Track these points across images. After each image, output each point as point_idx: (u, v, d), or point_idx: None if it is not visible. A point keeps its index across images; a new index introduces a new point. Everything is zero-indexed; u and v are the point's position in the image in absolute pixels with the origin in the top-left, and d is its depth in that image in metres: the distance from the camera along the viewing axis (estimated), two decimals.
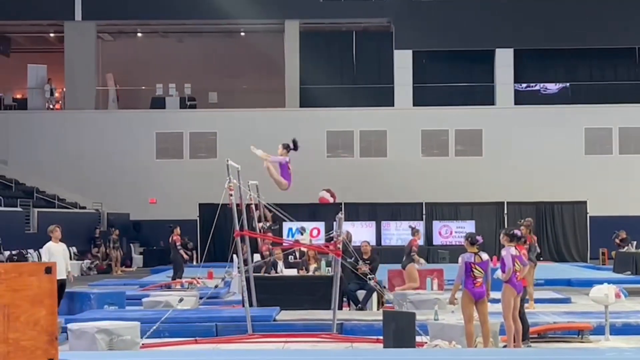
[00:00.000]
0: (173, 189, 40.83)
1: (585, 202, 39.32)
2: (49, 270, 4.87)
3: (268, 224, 21.80)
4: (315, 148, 41.51)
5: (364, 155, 42.17)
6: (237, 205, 17.26)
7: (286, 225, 32.91)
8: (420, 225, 38.78)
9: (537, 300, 19.59)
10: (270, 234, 21.22)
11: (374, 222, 39.04)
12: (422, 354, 13.16)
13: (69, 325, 14.51)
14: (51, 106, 44.98)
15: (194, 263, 34.50)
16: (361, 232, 34.86)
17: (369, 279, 18.25)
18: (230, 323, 16.17)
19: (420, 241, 21.70)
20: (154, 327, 15.09)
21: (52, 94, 44.72)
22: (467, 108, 42.28)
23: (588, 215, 39.39)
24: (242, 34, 46.29)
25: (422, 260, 21.34)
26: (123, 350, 13.65)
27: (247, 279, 17.35)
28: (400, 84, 42.77)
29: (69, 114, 43.15)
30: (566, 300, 21.27)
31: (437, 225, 39.14)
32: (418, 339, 13.83)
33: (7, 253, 30.79)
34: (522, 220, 19.28)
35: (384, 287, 20.00)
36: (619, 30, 42.17)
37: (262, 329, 15.77)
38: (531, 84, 44.23)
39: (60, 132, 42.01)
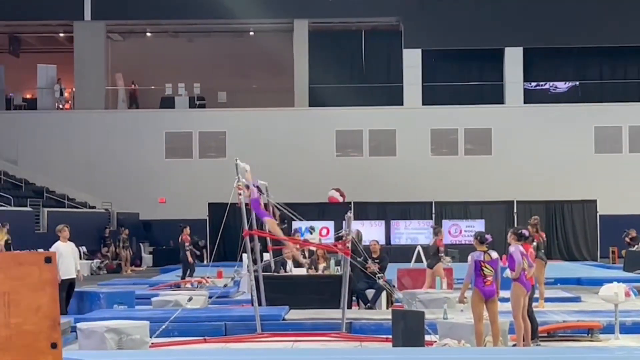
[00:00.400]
0: (182, 189, 40.85)
1: (595, 201, 39.23)
2: (48, 259, 4.88)
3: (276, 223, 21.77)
4: (325, 147, 41.55)
5: (373, 155, 42.14)
6: (246, 204, 17.26)
7: (295, 225, 32.85)
8: (430, 224, 38.82)
9: (547, 299, 19.55)
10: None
11: (383, 222, 39.02)
12: (431, 353, 13.14)
13: (79, 325, 14.54)
14: (61, 106, 45.05)
15: (204, 262, 34.55)
16: (370, 231, 34.82)
17: (378, 278, 18.23)
18: (239, 322, 16.18)
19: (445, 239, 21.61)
20: (163, 327, 15.10)
21: (61, 94, 44.79)
22: (477, 107, 42.22)
23: (598, 214, 39.29)
24: (252, 33, 46.29)
25: (448, 259, 21.26)
26: (132, 349, 13.67)
27: (257, 278, 17.35)
28: (409, 83, 42.72)
29: (78, 113, 43.23)
30: (576, 299, 21.24)
31: (446, 224, 39.02)
32: (427, 337, 13.82)
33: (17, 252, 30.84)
34: (531, 220, 19.24)
35: (393, 286, 19.98)
36: (629, 28, 42.05)
37: (271, 328, 15.78)
38: (541, 83, 44.16)
39: (69, 132, 42.07)
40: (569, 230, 39.53)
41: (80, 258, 33.70)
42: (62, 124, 42.62)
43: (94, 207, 40.80)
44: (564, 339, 15.21)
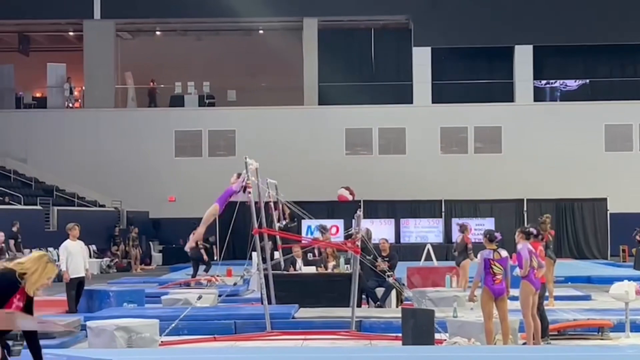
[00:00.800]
0: (192, 187, 40.82)
1: (605, 199, 39.10)
2: None
3: (285, 222, 21.79)
4: (334, 146, 41.52)
5: (383, 153, 42.09)
6: (256, 203, 17.26)
7: (305, 223, 32.85)
8: (440, 223, 38.83)
9: (557, 298, 19.52)
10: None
11: (392, 220, 38.95)
12: (441, 351, 13.14)
13: (88, 323, 14.57)
14: (70, 105, 45.10)
15: (214, 260, 34.54)
16: (380, 230, 34.77)
17: (388, 277, 18.22)
18: (249, 320, 16.20)
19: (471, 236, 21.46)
20: (173, 325, 15.13)
21: (71, 92, 44.84)
22: (486, 105, 42.13)
23: (608, 212, 39.15)
24: (261, 32, 46.27)
25: (472, 255, 21.22)
26: (142, 347, 13.69)
27: (266, 277, 17.35)
28: (419, 81, 42.67)
29: (88, 112, 43.28)
30: (586, 298, 21.20)
31: (456, 222, 38.96)
32: (437, 336, 13.82)
33: (27, 251, 30.88)
34: (541, 218, 19.17)
35: (403, 285, 19.96)
36: (639, 26, 41.91)
37: (280, 327, 15.78)
38: (551, 81, 44.05)
39: (79, 130, 42.12)
40: (579, 228, 39.41)
41: (90, 257, 33.90)
42: (71, 122, 42.68)
43: (103, 206, 40.85)
44: (574, 337, 15.19)
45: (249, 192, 16.76)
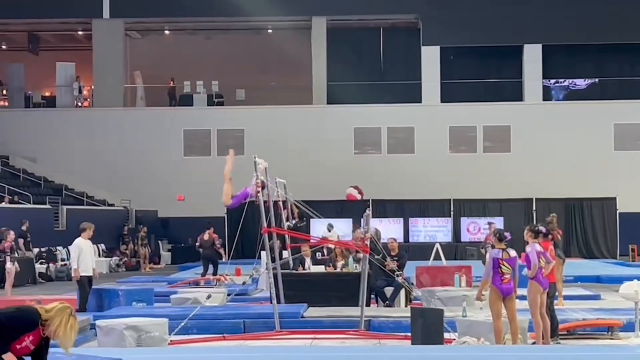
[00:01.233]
0: (201, 186, 40.82)
1: (614, 199, 39.00)
2: None
3: (294, 222, 21.80)
4: (343, 145, 41.51)
5: (392, 152, 42.08)
6: (265, 202, 17.27)
7: (314, 223, 32.79)
8: (449, 222, 38.76)
9: (566, 297, 19.49)
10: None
11: (401, 219, 38.88)
12: (451, 351, 13.13)
13: (98, 322, 14.59)
14: (79, 104, 45.20)
15: (223, 259, 34.56)
16: (389, 229, 34.73)
17: (397, 276, 18.21)
18: (258, 320, 16.20)
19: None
20: (182, 324, 15.14)
21: (80, 91, 44.93)
22: (495, 104, 42.11)
23: (617, 212, 39.04)
24: (270, 31, 46.30)
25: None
26: (151, 346, 13.71)
27: (275, 276, 17.35)
28: (427, 80, 42.64)
29: (97, 111, 43.35)
30: (595, 297, 21.15)
31: (464, 221, 38.93)
32: (446, 335, 13.81)
33: (36, 250, 30.98)
34: (548, 217, 19.12)
35: (412, 284, 19.95)
36: None
37: (289, 326, 15.78)
38: (560, 80, 43.98)
39: (88, 129, 42.19)
40: (588, 227, 39.31)
41: (99, 256, 34.07)
42: (80, 121, 42.76)
43: (112, 205, 40.92)
44: (583, 336, 15.16)
45: (259, 191, 16.75)
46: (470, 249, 36.47)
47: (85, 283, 18.18)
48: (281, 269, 18.31)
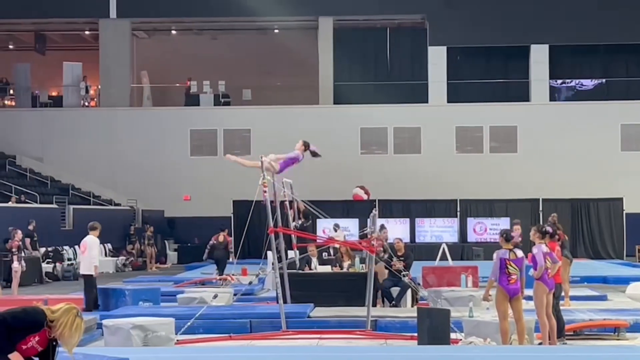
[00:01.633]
0: (207, 186, 40.91)
1: (621, 199, 38.94)
2: None
3: (300, 222, 21.79)
4: (349, 145, 41.50)
5: (398, 152, 42.06)
6: (271, 202, 17.27)
7: (320, 223, 32.78)
8: (455, 222, 38.72)
9: (573, 298, 19.47)
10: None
11: (407, 219, 38.87)
12: (457, 351, 13.12)
13: (104, 321, 14.61)
14: (86, 103, 45.25)
15: (230, 259, 34.58)
16: (395, 229, 34.74)
17: (404, 276, 18.20)
18: (264, 319, 16.22)
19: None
20: (189, 324, 15.15)
21: (87, 91, 44.99)
22: (502, 104, 42.08)
23: (624, 212, 38.99)
24: (276, 31, 46.31)
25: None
26: (158, 346, 13.72)
27: (281, 276, 17.36)
28: (434, 80, 42.62)
29: (103, 111, 43.40)
30: (602, 298, 21.12)
31: (471, 222, 38.91)
32: (453, 335, 13.80)
33: (42, 250, 31.01)
34: (551, 218, 19.10)
35: (418, 284, 19.95)
36: None
37: (296, 326, 15.79)
38: (567, 80, 43.93)
39: (95, 129, 42.23)
40: (594, 228, 39.25)
41: (106, 255, 34.16)
42: (87, 121, 42.80)
43: (119, 205, 40.95)
44: (590, 337, 15.15)
45: (265, 192, 16.74)
46: (476, 249, 36.45)
47: (94, 282, 18.32)
48: (287, 269, 18.32)
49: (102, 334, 14.61)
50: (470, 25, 41.98)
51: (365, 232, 17.74)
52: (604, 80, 43.54)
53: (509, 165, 41.17)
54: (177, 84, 45.41)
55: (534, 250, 13.66)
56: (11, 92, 46.53)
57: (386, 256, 19.61)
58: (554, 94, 43.44)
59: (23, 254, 25.01)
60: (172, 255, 40.03)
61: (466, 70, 43.27)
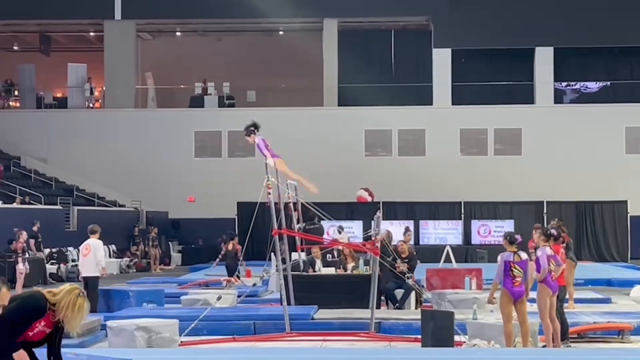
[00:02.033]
0: (211, 188, 40.92)
1: (625, 202, 38.92)
2: None
3: (304, 224, 21.76)
4: (354, 147, 41.50)
5: (402, 154, 42.07)
6: (275, 203, 17.26)
7: (324, 225, 32.72)
8: (459, 225, 38.71)
9: (577, 300, 19.45)
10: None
11: (412, 221, 38.80)
12: (461, 354, 13.11)
13: (108, 323, 14.60)
14: (91, 105, 45.30)
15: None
16: (399, 231, 34.62)
17: (408, 278, 18.19)
18: (268, 321, 16.20)
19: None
20: (193, 325, 15.14)
21: (91, 92, 45.02)
22: (507, 107, 42.06)
23: (629, 215, 38.97)
24: (281, 32, 46.34)
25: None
26: (162, 347, 13.71)
27: (285, 278, 17.36)
28: (439, 82, 42.60)
29: (108, 112, 43.43)
30: (606, 300, 21.08)
31: (475, 224, 38.91)
32: (456, 338, 13.79)
33: (47, 251, 31.03)
34: (554, 221, 19.07)
35: (422, 286, 19.93)
36: None
37: (300, 328, 15.78)
38: (571, 83, 43.92)
39: (99, 130, 42.27)
40: (599, 231, 39.22)
41: (110, 257, 34.16)
42: (92, 122, 42.84)
43: (123, 206, 40.99)
44: (594, 340, 15.13)
45: (269, 193, 16.74)
46: (480, 251, 36.47)
47: (97, 283, 18.30)
48: (291, 271, 18.31)
49: (106, 335, 14.60)
50: (475, 27, 41.97)
51: (369, 234, 17.71)
52: (608, 82, 43.53)
53: (514, 167, 41.15)
54: (182, 86, 45.41)
55: (538, 252, 13.65)
56: (16, 93, 46.58)
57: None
58: (559, 97, 43.44)
59: (27, 256, 25.02)
60: (176, 257, 40.06)
61: (471, 73, 43.25)
